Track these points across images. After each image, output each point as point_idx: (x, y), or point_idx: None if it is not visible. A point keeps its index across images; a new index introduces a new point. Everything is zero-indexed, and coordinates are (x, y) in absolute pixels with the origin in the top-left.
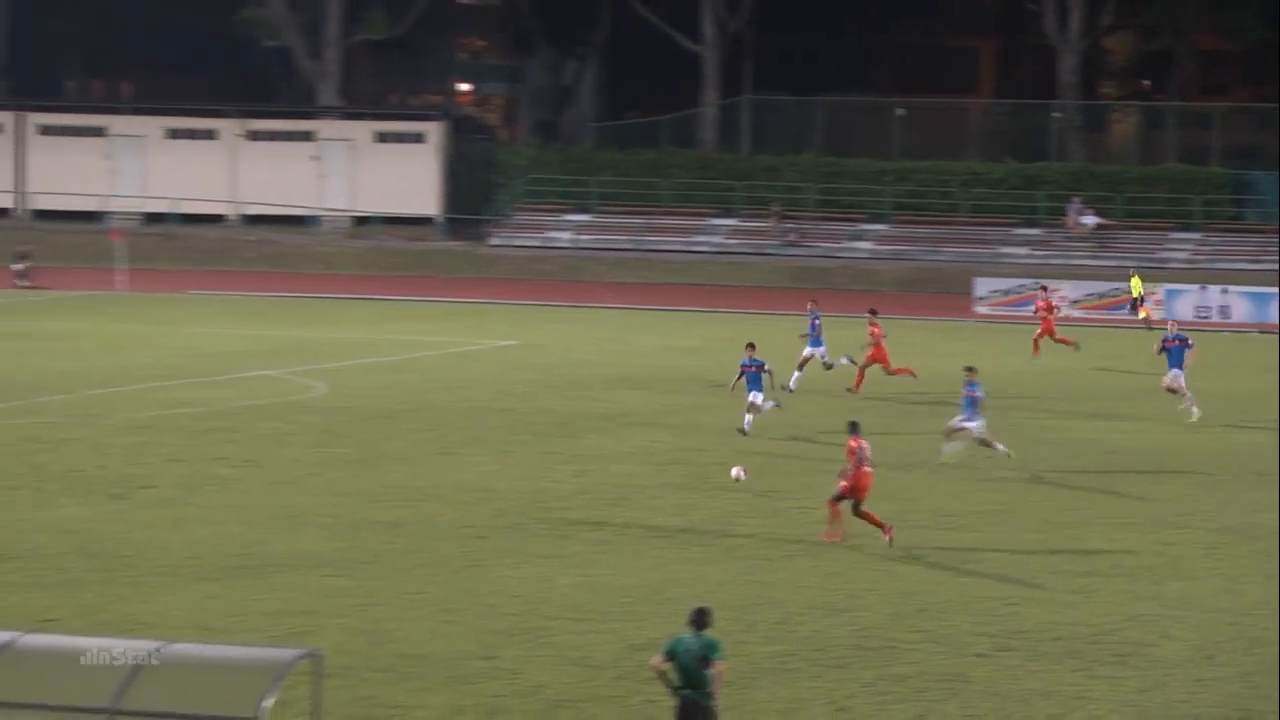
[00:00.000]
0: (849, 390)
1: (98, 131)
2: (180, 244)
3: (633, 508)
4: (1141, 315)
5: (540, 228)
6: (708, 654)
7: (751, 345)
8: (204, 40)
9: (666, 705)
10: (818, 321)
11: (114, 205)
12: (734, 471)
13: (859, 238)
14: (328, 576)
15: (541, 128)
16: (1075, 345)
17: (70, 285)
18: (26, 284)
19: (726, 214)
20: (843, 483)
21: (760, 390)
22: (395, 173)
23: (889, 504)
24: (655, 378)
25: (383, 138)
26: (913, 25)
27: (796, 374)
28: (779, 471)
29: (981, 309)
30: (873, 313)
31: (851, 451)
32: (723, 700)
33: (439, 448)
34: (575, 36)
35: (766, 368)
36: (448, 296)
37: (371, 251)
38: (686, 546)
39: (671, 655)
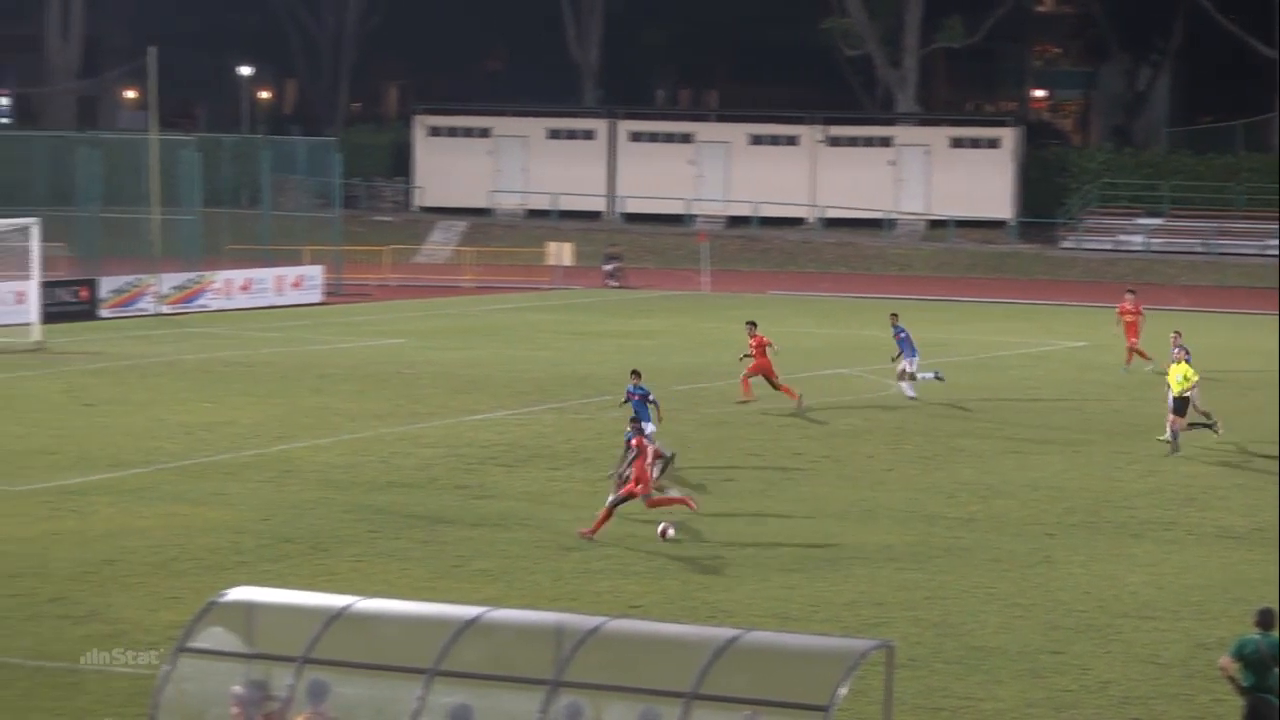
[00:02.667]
0: (739, 402)
1: (684, 138)
2: (760, 246)
3: (1202, 508)
4: None
5: (1112, 231)
6: (1278, 654)
7: (636, 373)
8: (787, 50)
9: (1235, 705)
10: (904, 334)
11: (698, 209)
12: (660, 527)
13: None
14: (900, 570)
15: (1114, 133)
16: (1149, 359)
17: (657, 285)
18: (615, 284)
19: None
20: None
21: (648, 419)
22: (970, 177)
23: None
24: (1226, 379)
25: (958, 143)
26: None
27: (904, 384)
28: None
29: None
30: (752, 325)
31: (642, 447)
32: None
33: (1009, 445)
34: (1150, 43)
35: (651, 397)
36: (1020, 298)
37: (945, 253)
38: (1255, 547)
39: (1240, 655)
